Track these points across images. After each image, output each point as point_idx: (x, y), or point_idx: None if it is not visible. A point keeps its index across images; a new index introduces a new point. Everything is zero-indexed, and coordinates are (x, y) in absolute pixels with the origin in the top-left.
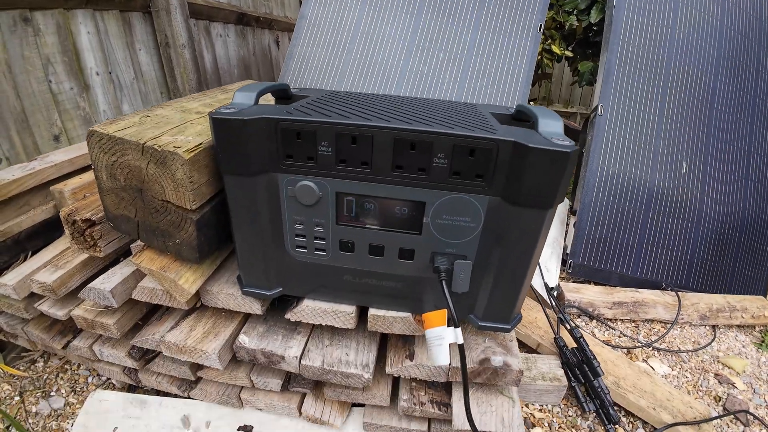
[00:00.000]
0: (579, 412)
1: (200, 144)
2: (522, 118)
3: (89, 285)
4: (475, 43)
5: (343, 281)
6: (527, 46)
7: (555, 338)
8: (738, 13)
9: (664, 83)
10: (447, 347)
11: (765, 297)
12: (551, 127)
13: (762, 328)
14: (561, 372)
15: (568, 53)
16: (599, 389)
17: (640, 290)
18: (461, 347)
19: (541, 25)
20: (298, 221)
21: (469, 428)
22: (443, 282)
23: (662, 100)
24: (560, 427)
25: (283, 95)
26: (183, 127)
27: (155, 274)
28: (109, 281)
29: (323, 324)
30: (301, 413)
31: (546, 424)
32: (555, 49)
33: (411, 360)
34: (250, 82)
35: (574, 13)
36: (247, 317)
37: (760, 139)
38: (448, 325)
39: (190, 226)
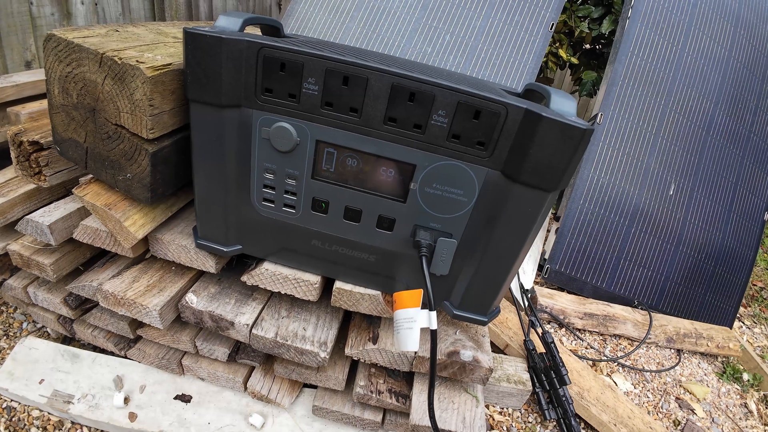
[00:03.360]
0: (539, 419)
1: (169, 64)
2: (530, 97)
3: (27, 217)
4: (484, 30)
5: (311, 246)
6: (536, 43)
7: (525, 341)
8: (746, 46)
9: (665, 103)
10: (418, 332)
11: (731, 329)
12: (565, 106)
13: (725, 359)
14: (527, 376)
15: (574, 60)
16: (564, 398)
17: (611, 304)
18: (434, 333)
19: (553, 24)
20: (268, 170)
21: (425, 425)
22: (423, 258)
23: (660, 119)
24: None
25: (274, 33)
26: (154, 47)
27: (99, 211)
28: (49, 215)
29: (282, 292)
30: (246, 388)
31: (504, 428)
32: (562, 53)
33: (374, 344)
34: None
35: (587, 20)
36: (199, 276)
37: (748, 174)
38: (422, 308)
39: (144, 159)
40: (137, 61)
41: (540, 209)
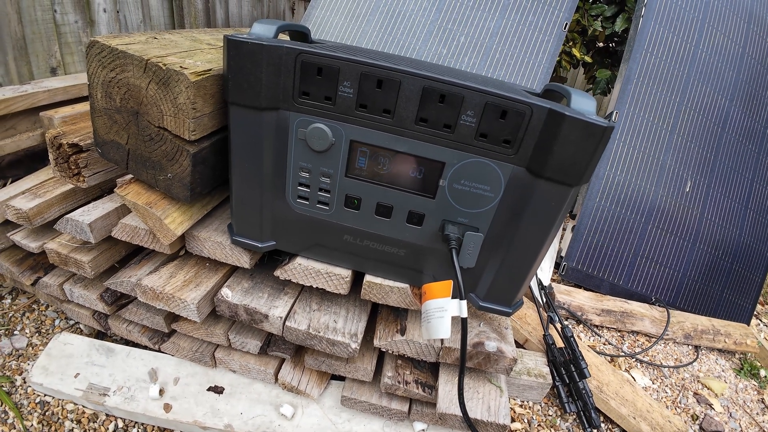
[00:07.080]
0: (559, 413)
1: (209, 70)
2: (550, 97)
3: (67, 216)
4: (499, 30)
5: (342, 241)
6: (550, 43)
7: (544, 335)
8: (760, 42)
9: (680, 100)
10: (449, 320)
11: (748, 325)
12: (585, 105)
13: (742, 355)
14: (546, 369)
15: (588, 59)
16: (583, 391)
17: (629, 301)
18: (464, 321)
19: (566, 23)
20: (303, 168)
21: (452, 413)
22: (453, 250)
23: (676, 116)
24: (539, 425)
25: (302, 39)
26: (192, 53)
27: (140, 209)
28: (88, 214)
29: (314, 286)
30: (277, 380)
31: (525, 421)
32: (575, 52)
33: (402, 335)
34: None
35: (600, 19)
36: (232, 271)
37: (764, 170)
38: (452, 298)
39: (185, 160)
40: (180, 66)
41: (564, 203)
